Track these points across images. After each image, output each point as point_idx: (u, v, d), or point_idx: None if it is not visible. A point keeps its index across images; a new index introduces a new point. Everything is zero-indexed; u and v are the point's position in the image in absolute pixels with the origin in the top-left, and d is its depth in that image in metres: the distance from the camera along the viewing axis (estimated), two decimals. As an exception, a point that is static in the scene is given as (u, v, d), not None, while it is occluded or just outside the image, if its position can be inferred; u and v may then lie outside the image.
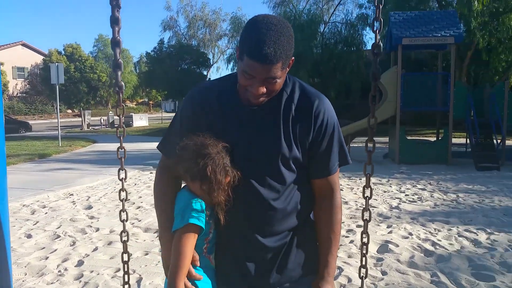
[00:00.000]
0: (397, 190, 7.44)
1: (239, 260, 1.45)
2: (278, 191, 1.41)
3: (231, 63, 27.23)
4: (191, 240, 1.32)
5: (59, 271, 3.77)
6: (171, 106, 58.27)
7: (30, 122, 31.72)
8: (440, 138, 11.82)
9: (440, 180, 8.35)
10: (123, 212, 1.63)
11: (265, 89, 1.33)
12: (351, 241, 4.51)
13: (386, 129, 12.59)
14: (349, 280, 3.53)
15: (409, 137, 12.04)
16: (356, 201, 6.47)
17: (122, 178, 1.63)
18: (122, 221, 1.62)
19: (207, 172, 1.29)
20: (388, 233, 4.82)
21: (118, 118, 1.53)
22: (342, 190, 7.34)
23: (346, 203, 6.38)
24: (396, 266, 3.82)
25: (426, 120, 17.44)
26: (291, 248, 1.49)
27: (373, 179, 8.42)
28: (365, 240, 1.59)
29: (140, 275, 3.62)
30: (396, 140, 11.04)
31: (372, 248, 4.31)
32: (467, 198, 6.66)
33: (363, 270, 1.61)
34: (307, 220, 1.54)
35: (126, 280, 1.65)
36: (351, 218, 5.51)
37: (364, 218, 1.59)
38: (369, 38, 32.18)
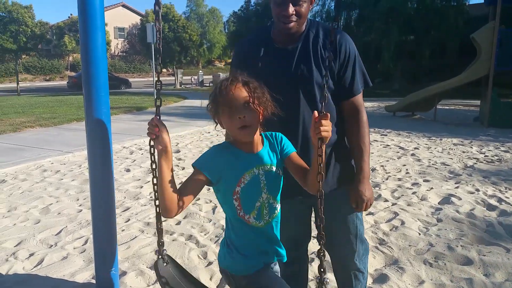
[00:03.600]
0: (477, 151, 7.20)
1: None
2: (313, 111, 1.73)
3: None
4: (192, 175, 1.46)
5: (151, 197, 4.53)
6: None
7: (130, 79, 34.60)
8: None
9: (530, 144, 7.83)
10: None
11: (294, 10, 1.66)
12: (414, 192, 4.66)
13: (479, 91, 11.78)
14: (403, 223, 3.76)
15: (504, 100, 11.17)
16: (429, 159, 6.45)
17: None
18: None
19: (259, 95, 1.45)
20: (455, 188, 4.86)
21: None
22: (418, 149, 7.31)
23: (419, 160, 6.41)
24: (453, 215, 3.94)
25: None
26: (329, 164, 1.85)
27: (454, 140, 8.25)
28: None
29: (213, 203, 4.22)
30: (487, 101, 10.36)
31: (434, 200, 4.44)
32: (555, 162, 6.27)
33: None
34: (341, 141, 1.88)
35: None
36: (420, 173, 5.58)
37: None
38: (473, -9, 29.28)
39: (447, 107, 14.71)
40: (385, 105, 13.64)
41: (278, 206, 1.58)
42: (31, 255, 3.14)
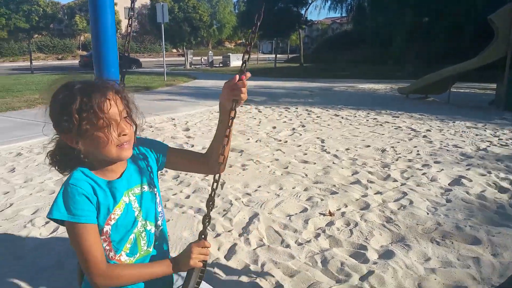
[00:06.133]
0: (491, 134, 7.09)
1: None
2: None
3: (329, 2, 26.31)
4: (80, 232, 1.13)
5: (161, 172, 4.57)
6: (268, 48, 57.01)
7: (140, 59, 34.55)
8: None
9: (545, 128, 7.69)
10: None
11: None
12: (424, 173, 4.63)
13: (496, 74, 11.52)
14: (411, 202, 3.75)
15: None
16: (441, 141, 6.37)
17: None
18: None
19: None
20: (466, 170, 4.81)
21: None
22: (430, 131, 7.22)
23: (430, 142, 6.34)
24: (463, 196, 3.91)
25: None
26: None
27: (468, 123, 8.11)
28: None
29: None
30: (504, 84, 10.13)
31: (444, 181, 4.40)
32: None
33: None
34: None
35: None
36: (431, 155, 5.53)
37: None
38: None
39: (462, 90, 14.45)
40: (398, 87, 13.47)
41: (154, 229, 1.32)
42: (47, 223, 3.28)
